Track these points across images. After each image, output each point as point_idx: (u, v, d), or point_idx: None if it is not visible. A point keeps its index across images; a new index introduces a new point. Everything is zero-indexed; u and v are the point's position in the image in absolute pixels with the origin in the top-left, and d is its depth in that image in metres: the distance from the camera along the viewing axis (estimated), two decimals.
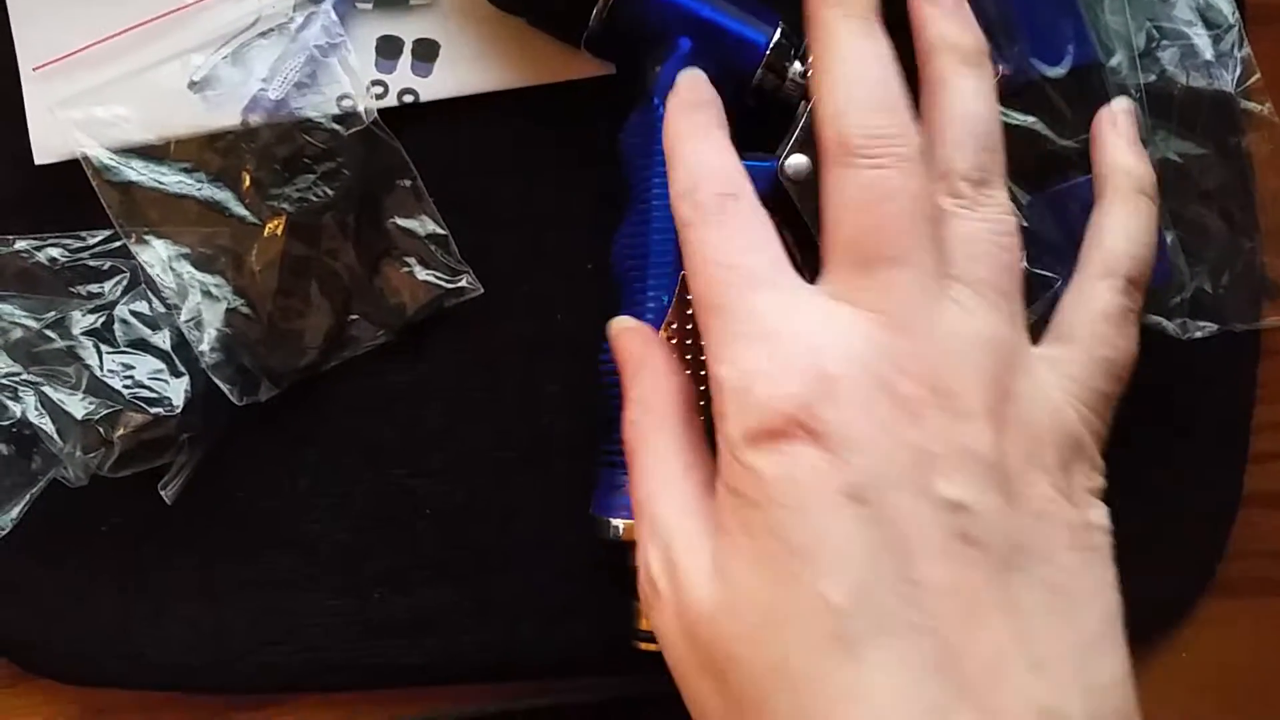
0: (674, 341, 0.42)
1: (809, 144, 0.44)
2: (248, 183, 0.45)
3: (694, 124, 0.37)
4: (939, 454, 0.31)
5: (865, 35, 0.35)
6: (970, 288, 0.34)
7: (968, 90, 0.36)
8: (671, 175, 0.37)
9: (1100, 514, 0.35)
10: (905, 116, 0.34)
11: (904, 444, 0.31)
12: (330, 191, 0.45)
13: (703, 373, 0.42)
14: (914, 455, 0.31)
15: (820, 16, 0.36)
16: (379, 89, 0.46)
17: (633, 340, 0.39)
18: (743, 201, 0.35)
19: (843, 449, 0.31)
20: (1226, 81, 0.44)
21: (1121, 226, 0.38)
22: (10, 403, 0.44)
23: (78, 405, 0.44)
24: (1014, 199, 0.43)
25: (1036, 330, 0.42)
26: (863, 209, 0.34)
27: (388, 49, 0.46)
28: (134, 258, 0.45)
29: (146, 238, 0.45)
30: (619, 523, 0.42)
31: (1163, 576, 0.48)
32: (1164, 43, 0.45)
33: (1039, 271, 0.43)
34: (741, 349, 0.33)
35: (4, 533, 0.44)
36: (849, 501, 0.30)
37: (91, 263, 0.45)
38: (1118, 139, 0.39)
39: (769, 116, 0.44)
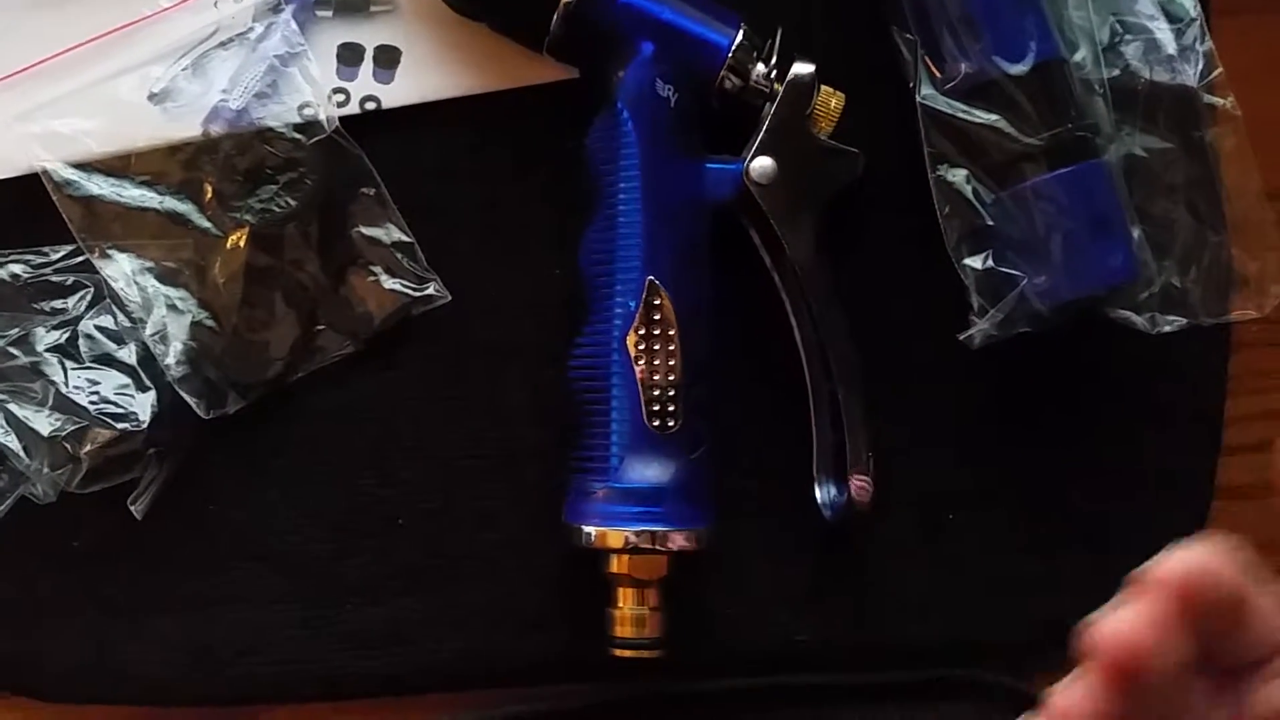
0: (641, 348, 0.42)
1: (773, 146, 0.44)
2: (210, 194, 0.45)
3: None
4: None
5: None
6: None
7: None
8: None
9: None
10: None
11: None
12: (293, 201, 0.45)
13: (671, 378, 0.42)
14: None
15: None
16: (341, 97, 0.46)
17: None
18: None
19: None
20: (1189, 76, 0.44)
21: None
22: None
23: (44, 422, 0.43)
24: (979, 197, 0.43)
25: (1007, 326, 0.43)
26: None
27: (349, 56, 0.46)
28: (97, 272, 0.44)
29: (109, 252, 0.44)
30: (591, 530, 0.42)
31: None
32: (1127, 37, 0.44)
33: (1005, 270, 0.43)
34: None
35: None
36: None
37: (54, 278, 0.45)
38: None
39: (733, 119, 0.45)
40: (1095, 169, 0.43)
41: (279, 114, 0.45)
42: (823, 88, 0.44)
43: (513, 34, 0.45)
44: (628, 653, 0.43)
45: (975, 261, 0.44)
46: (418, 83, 0.46)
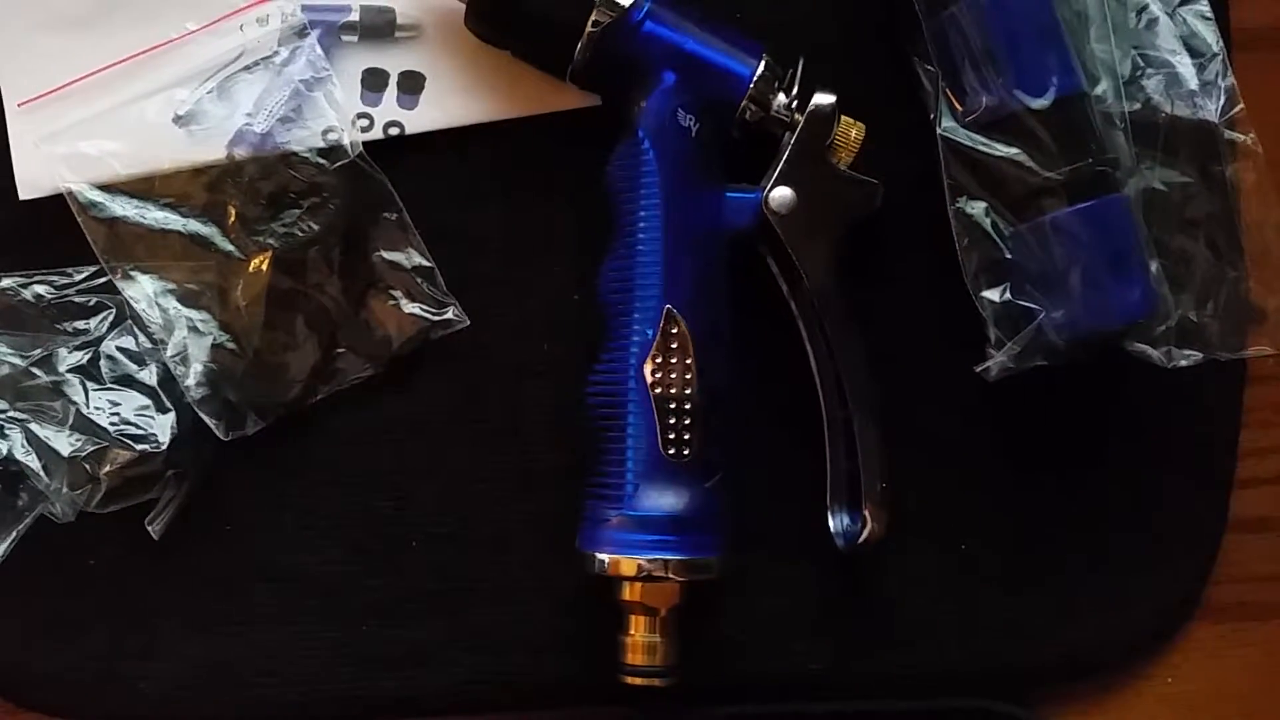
0: (658, 375, 0.42)
1: (793, 176, 0.44)
2: (233, 217, 0.45)
3: None
4: None
5: None
6: None
7: None
8: None
9: None
10: None
11: None
12: (315, 225, 0.45)
13: (687, 406, 0.42)
14: None
15: None
16: (364, 122, 0.46)
17: None
18: None
19: None
20: (1210, 111, 0.44)
21: None
22: None
23: (64, 442, 0.44)
24: (998, 230, 0.43)
25: (1023, 359, 0.43)
26: None
27: (373, 82, 0.46)
28: (120, 293, 0.45)
29: (132, 273, 0.45)
30: (605, 557, 0.43)
31: (1149, 602, 0.48)
32: (1149, 71, 0.44)
33: (1022, 303, 0.43)
34: None
35: None
36: None
37: (77, 299, 0.45)
38: None
39: (754, 148, 0.45)
40: (1114, 204, 0.43)
41: (303, 138, 0.45)
42: (843, 118, 0.44)
43: (536, 61, 0.45)
44: (638, 681, 0.43)
45: (993, 294, 0.44)
46: (441, 108, 0.46)
